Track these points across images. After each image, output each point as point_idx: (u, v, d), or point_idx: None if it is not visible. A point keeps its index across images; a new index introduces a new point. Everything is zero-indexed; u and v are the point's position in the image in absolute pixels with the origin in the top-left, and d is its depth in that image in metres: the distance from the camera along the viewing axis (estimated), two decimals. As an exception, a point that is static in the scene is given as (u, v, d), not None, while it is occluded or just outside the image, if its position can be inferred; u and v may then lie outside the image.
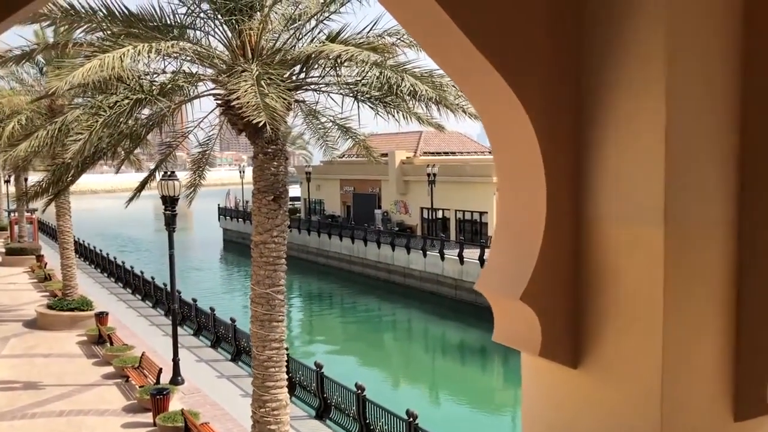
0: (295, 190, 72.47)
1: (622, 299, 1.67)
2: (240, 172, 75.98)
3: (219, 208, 70.94)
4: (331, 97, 12.66)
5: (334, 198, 59.41)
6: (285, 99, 10.29)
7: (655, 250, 1.57)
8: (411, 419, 14.74)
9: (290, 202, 74.39)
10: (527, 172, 1.76)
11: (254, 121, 9.41)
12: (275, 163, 11.77)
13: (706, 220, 1.61)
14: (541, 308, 1.75)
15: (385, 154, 48.01)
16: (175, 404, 17.72)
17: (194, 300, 27.72)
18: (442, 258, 39.74)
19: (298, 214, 61.21)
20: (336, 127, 13.83)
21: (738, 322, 1.67)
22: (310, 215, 60.01)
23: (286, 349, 18.63)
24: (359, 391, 16.65)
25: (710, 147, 1.60)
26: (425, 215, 48.96)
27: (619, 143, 1.64)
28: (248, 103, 9.27)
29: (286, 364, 13.84)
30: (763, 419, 1.71)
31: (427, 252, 41.46)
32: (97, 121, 10.50)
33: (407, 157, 51.55)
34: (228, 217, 67.92)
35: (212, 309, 25.92)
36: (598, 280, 1.73)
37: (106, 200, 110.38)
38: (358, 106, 12.16)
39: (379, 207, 53.45)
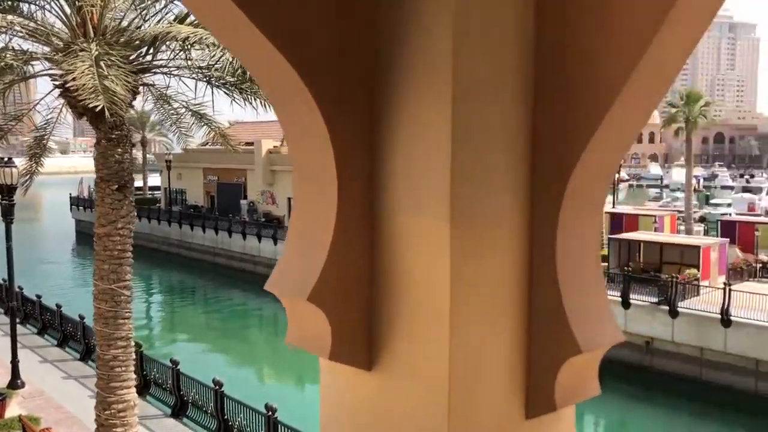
0: (155, 179, 69.62)
1: (411, 297, 1.61)
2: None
3: (71, 197, 66.55)
4: (183, 82, 12.06)
5: (196, 187, 57.45)
6: (128, 82, 9.63)
7: (441, 244, 1.51)
8: (270, 413, 14.51)
9: (150, 192, 71.48)
10: (319, 168, 1.68)
11: (91, 105, 8.73)
12: (120, 150, 11.02)
13: (496, 213, 1.57)
14: (331, 309, 1.65)
15: (252, 143, 47.01)
16: (13, 410, 16.37)
17: (38, 296, 25.77)
18: (309, 248, 39.49)
19: (158, 204, 58.83)
20: (190, 113, 13.19)
21: (529, 318, 1.64)
22: (171, 205, 57.64)
23: (140, 346, 17.79)
24: (217, 387, 16.19)
25: (500, 139, 1.57)
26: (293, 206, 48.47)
27: (409, 135, 1.62)
28: (85, 85, 8.57)
29: (138, 362, 13.12)
30: (553, 416, 1.70)
31: (294, 243, 41.00)
32: None
33: (274, 146, 50.72)
34: (80, 207, 63.80)
35: (59, 306, 24.21)
36: (390, 277, 1.66)
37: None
38: (212, 92, 11.67)
39: (245, 197, 52.34)
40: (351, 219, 1.64)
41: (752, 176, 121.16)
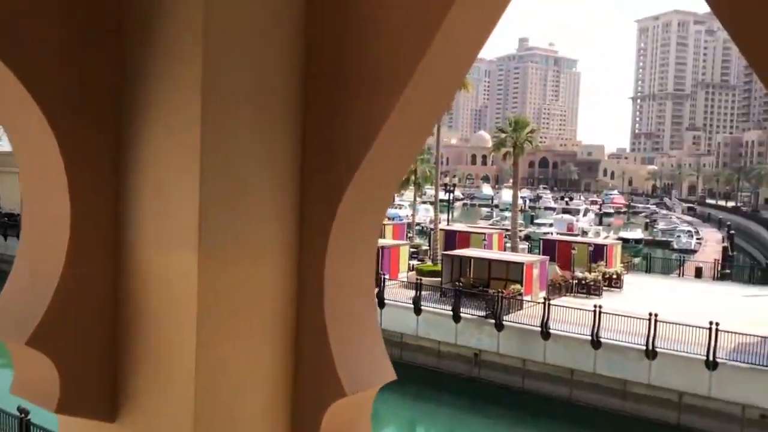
0: (-37, 183, 62.81)
1: (157, 339, 1.41)
2: None
3: None
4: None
5: (13, 193, 52.64)
6: None
7: (189, 281, 1.33)
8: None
9: (-45, 196, 63.96)
10: (50, 192, 1.46)
11: None
12: None
13: (255, 245, 1.41)
14: (60, 354, 1.41)
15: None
16: None
17: None
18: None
19: (-35, 211, 53.38)
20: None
21: (294, 359, 1.49)
22: (-19, 213, 52.35)
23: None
24: (23, 416, 14.74)
25: (261, 164, 1.44)
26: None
27: (158, 161, 1.45)
28: None
29: None
30: None
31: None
32: None
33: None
34: None
35: None
36: (136, 317, 1.45)
37: None
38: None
39: (70, 205, 48.73)
40: (87, 252, 1.43)
41: (571, 199, 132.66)
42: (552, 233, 58.66)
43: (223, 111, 1.36)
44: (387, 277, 31.70)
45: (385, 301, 29.80)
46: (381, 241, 34.83)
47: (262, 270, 1.43)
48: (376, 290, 29.47)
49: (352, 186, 1.43)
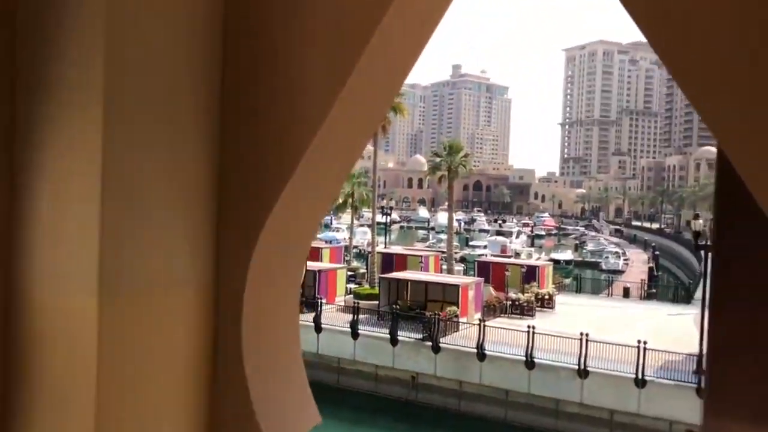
0: None
1: (53, 392, 1.28)
2: None
3: None
4: None
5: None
6: None
7: (87, 325, 1.20)
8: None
9: None
10: None
11: None
12: None
13: (165, 285, 1.30)
14: None
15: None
16: None
17: None
18: None
19: None
20: None
21: (209, 410, 1.37)
22: None
23: None
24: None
25: (172, 198, 1.34)
26: None
27: (53, 197, 1.29)
28: None
29: None
30: None
31: None
32: None
33: None
34: None
35: None
36: (28, 368, 1.31)
37: None
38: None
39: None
40: None
41: (504, 221, 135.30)
42: (486, 255, 59.51)
43: (127, 132, 1.25)
44: (324, 301, 31.38)
45: (322, 326, 29.48)
46: (318, 265, 34.53)
47: (173, 310, 1.32)
48: (313, 315, 29.13)
49: (273, 217, 1.35)
